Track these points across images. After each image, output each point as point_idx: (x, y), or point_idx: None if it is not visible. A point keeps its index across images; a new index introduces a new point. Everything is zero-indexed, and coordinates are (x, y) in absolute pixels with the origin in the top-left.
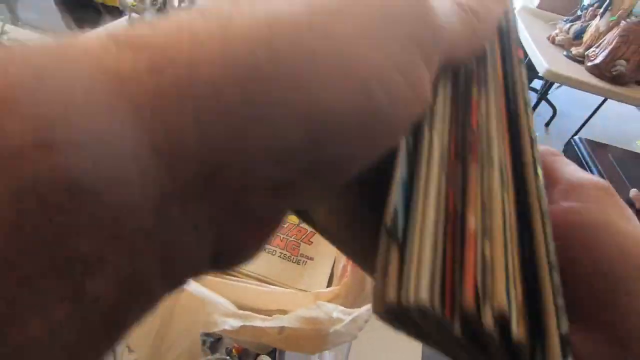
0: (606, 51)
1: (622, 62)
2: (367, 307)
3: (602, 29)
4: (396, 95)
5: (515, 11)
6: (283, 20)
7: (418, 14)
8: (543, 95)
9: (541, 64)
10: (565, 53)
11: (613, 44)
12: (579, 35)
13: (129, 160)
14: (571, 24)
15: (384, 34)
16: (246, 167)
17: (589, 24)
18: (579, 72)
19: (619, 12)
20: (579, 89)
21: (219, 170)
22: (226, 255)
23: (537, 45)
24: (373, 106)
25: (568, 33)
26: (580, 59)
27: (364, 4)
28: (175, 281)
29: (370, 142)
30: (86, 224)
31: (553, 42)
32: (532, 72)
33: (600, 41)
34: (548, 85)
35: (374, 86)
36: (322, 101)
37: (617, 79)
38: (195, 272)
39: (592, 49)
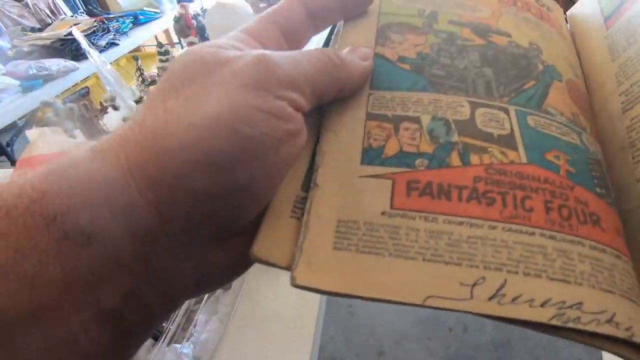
0: None
1: None
2: None
3: None
4: (259, 124)
5: None
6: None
7: (256, 70)
8: None
9: None
10: None
11: None
12: None
13: (130, 209)
14: None
15: (237, 91)
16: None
17: None
18: None
19: None
20: None
21: (186, 214)
22: (205, 280)
23: None
24: (246, 136)
25: None
26: None
27: (221, 80)
28: (168, 301)
29: (260, 160)
30: (100, 256)
31: None
32: None
33: None
34: None
35: (238, 125)
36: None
37: None
38: (185, 294)
39: None
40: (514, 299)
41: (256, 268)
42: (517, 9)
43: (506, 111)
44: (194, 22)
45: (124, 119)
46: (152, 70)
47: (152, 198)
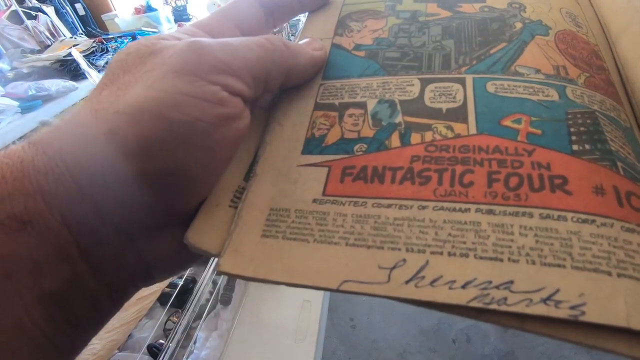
0: None
1: None
2: None
3: None
4: (188, 109)
5: None
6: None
7: (187, 56)
8: None
9: None
10: None
11: None
12: None
13: (64, 196)
14: None
15: (166, 78)
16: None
17: None
18: None
19: None
20: None
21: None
22: (153, 270)
23: None
24: (174, 121)
25: None
26: None
27: (151, 68)
28: (116, 291)
29: (195, 146)
30: (38, 242)
31: None
32: None
33: None
34: None
35: (165, 110)
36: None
37: None
38: (134, 284)
39: None
40: (432, 282)
41: (257, 284)
42: None
43: (462, 81)
44: None
45: None
46: None
47: (84, 185)
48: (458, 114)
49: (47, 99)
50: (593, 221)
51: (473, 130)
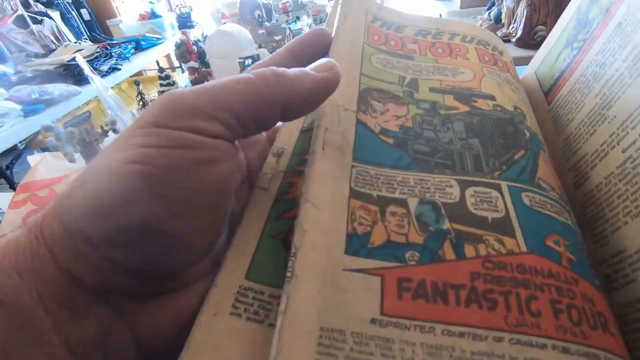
0: (522, 24)
1: (541, 27)
2: None
3: (511, 5)
4: (156, 160)
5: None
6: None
7: (160, 105)
8: None
9: None
10: None
11: (525, 15)
12: (498, 19)
13: (38, 266)
14: (489, 10)
15: (146, 124)
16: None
17: (502, 4)
18: (510, 50)
19: None
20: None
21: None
22: (153, 350)
23: None
24: (140, 174)
25: (490, 20)
26: (507, 39)
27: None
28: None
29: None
30: (9, 323)
31: None
32: None
33: (515, 17)
34: None
35: (131, 167)
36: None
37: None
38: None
39: (511, 26)
40: None
41: None
42: (498, 69)
43: (498, 188)
44: (195, 47)
45: None
46: (152, 94)
47: (59, 252)
48: (505, 226)
49: (50, 102)
50: None
51: (523, 247)
